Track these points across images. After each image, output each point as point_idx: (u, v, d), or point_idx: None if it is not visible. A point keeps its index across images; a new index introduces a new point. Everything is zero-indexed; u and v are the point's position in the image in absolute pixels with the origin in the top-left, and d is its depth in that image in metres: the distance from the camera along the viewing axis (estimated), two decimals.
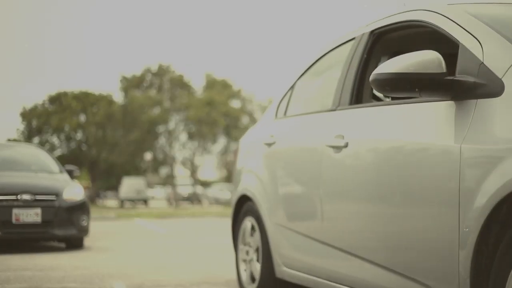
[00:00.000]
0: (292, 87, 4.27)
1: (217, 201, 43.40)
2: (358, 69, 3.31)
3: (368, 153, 2.96)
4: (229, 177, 55.63)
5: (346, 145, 3.10)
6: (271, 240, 3.97)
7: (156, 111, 46.92)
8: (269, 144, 4.15)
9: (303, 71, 4.19)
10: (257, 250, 4.25)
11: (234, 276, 5.99)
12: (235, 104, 50.39)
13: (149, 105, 46.68)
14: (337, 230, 3.21)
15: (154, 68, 48.64)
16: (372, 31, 3.31)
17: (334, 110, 3.38)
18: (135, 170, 48.99)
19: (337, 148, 3.18)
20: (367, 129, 3.02)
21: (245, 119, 50.07)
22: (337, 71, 3.60)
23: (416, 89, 2.47)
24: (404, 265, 2.66)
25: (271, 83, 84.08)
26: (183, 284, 5.37)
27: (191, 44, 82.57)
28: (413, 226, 2.60)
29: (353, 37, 3.50)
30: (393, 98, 3.19)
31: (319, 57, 4.00)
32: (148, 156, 47.55)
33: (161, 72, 48.23)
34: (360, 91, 3.30)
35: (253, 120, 49.77)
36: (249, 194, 4.34)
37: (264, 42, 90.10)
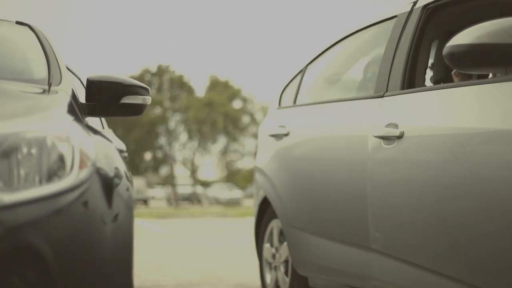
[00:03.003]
0: (302, 72, 3.75)
1: (217, 201, 43.43)
2: (410, 50, 2.86)
3: (430, 144, 2.50)
4: (229, 177, 55.73)
5: (401, 135, 2.64)
6: (291, 250, 3.50)
7: (156, 111, 46.93)
8: (279, 136, 3.59)
9: (316, 56, 3.70)
10: (286, 261, 3.75)
11: (233, 276, 5.94)
12: (236, 104, 50.39)
13: (149, 105, 46.64)
14: (392, 239, 2.73)
15: (154, 68, 48.63)
16: (425, 6, 2.86)
17: (382, 96, 2.92)
18: (135, 170, 48.97)
19: (389, 139, 2.72)
20: (428, 116, 2.56)
21: (245, 119, 50.05)
22: (366, 54, 3.21)
23: (503, 64, 2.04)
24: (482, 280, 2.23)
25: (272, 83, 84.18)
26: (183, 284, 5.35)
27: (191, 44, 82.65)
28: (491, 233, 2.16)
29: (393, 15, 3.07)
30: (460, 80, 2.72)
31: (337, 41, 3.56)
32: (148, 156, 47.52)
33: (161, 72, 48.24)
34: (413, 75, 2.86)
35: (254, 120, 49.76)
36: (268, 196, 3.80)
37: (264, 42, 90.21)
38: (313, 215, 3.31)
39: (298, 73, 3.79)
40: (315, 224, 3.29)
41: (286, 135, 3.55)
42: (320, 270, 3.28)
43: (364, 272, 2.92)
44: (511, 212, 2.07)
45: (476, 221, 2.23)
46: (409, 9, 2.97)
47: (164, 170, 51.53)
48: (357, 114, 3.08)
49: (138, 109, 2.60)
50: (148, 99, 2.62)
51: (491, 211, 2.16)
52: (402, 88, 2.84)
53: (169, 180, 47.88)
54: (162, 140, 47.95)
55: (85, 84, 2.52)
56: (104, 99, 2.49)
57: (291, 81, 3.83)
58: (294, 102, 3.71)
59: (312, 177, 3.33)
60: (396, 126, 2.70)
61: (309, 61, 3.75)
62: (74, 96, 2.39)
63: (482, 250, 2.21)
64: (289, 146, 3.52)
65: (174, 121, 47.48)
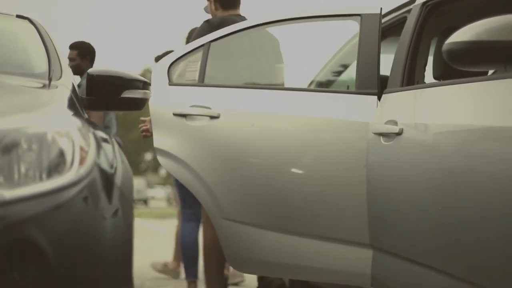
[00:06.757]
0: (204, 49, 3.31)
1: None
2: (409, 47, 2.86)
3: (429, 141, 2.50)
4: None
5: (400, 132, 2.63)
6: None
7: None
8: (198, 118, 3.10)
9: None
10: None
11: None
12: None
13: None
14: (391, 236, 2.74)
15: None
16: (424, 3, 2.86)
17: (382, 93, 2.93)
18: (135, 170, 48.99)
19: (389, 136, 2.71)
20: (428, 113, 2.57)
21: None
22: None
23: (503, 62, 2.05)
24: (482, 278, 2.23)
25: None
26: (183, 284, 5.33)
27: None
28: (491, 230, 2.16)
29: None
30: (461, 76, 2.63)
31: None
32: (148, 156, 47.55)
33: None
34: (412, 72, 2.86)
35: None
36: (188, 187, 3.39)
37: None
38: (295, 213, 3.05)
39: (194, 49, 3.35)
40: (295, 223, 3.05)
41: (216, 117, 3.09)
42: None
43: (363, 270, 2.92)
44: (511, 209, 2.06)
45: (475, 218, 2.22)
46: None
47: (164, 170, 51.55)
48: (355, 109, 2.97)
49: (138, 103, 2.57)
50: (148, 93, 2.59)
51: (491, 207, 2.15)
52: (402, 85, 2.84)
53: (169, 180, 47.88)
54: None
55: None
56: (105, 93, 2.48)
57: (181, 57, 3.36)
58: (202, 81, 3.25)
59: (286, 172, 3.03)
60: (395, 123, 2.70)
61: (214, 38, 3.32)
62: (74, 91, 2.37)
63: (482, 247, 2.21)
64: (226, 131, 3.10)
65: None
